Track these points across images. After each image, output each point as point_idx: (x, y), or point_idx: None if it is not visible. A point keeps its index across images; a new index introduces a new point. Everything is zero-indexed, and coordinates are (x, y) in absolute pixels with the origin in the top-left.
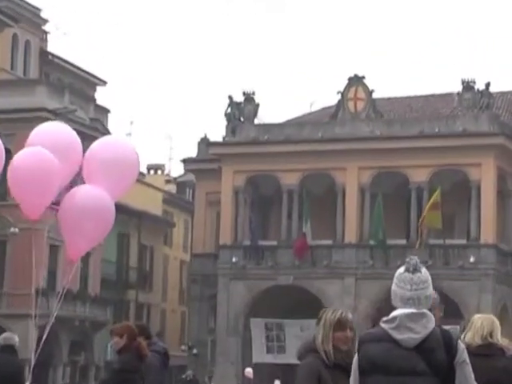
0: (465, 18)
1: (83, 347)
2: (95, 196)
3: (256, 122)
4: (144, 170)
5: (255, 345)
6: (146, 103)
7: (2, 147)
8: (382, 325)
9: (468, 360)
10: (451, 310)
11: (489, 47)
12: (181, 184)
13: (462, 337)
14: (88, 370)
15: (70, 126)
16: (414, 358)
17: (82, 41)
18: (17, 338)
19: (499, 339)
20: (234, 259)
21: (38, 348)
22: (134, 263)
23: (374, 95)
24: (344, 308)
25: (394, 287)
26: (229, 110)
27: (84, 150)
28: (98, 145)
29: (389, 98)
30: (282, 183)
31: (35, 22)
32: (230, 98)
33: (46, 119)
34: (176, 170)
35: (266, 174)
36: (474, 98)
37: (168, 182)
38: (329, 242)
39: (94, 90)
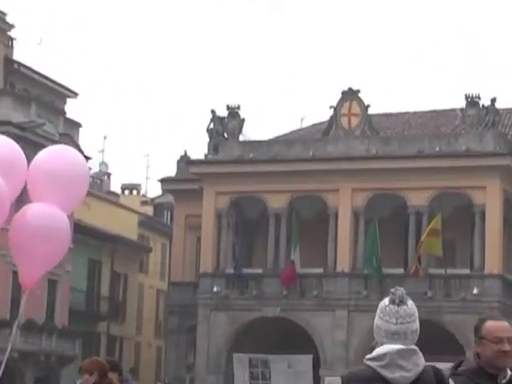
0: (469, 28)
1: None
2: (46, 213)
3: (241, 138)
4: (118, 190)
5: (238, 383)
6: (121, 117)
7: None
8: (369, 363)
9: None
10: (452, 346)
11: (495, 60)
12: (158, 206)
13: None
14: None
15: (37, 141)
16: None
17: (51, 49)
18: None
19: None
20: (215, 288)
21: None
22: (105, 292)
23: (370, 111)
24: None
25: (377, 320)
26: (211, 125)
27: None
28: (41, 156)
29: (386, 114)
30: (268, 206)
31: None
32: (213, 112)
33: (11, 134)
34: (153, 190)
35: (252, 196)
36: (479, 114)
37: (144, 203)
38: (319, 270)
39: (64, 103)
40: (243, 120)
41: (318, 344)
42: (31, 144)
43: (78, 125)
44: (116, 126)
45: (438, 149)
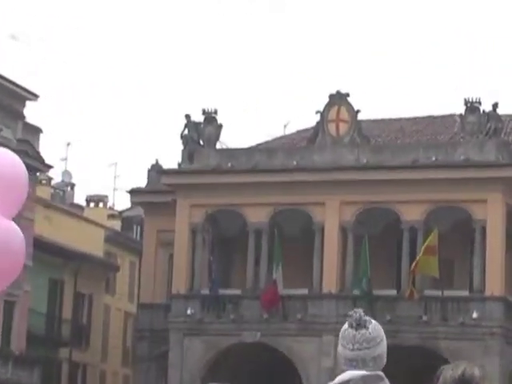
0: (469, 28)
1: None
2: None
3: (218, 146)
4: (83, 202)
5: None
6: (87, 122)
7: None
8: None
9: None
10: None
11: (497, 63)
12: (127, 220)
13: None
14: None
15: None
16: None
17: (8, 48)
18: None
19: None
20: (189, 311)
21: None
22: (67, 315)
23: (360, 116)
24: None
25: (338, 346)
26: (186, 131)
27: None
28: None
29: (377, 120)
30: (248, 220)
31: None
32: (188, 117)
33: None
34: (121, 202)
35: (230, 210)
36: (479, 121)
37: (111, 216)
38: (304, 291)
39: (24, 106)
40: (221, 126)
41: (302, 373)
42: None
43: (38, 130)
44: (81, 132)
45: (434, 158)
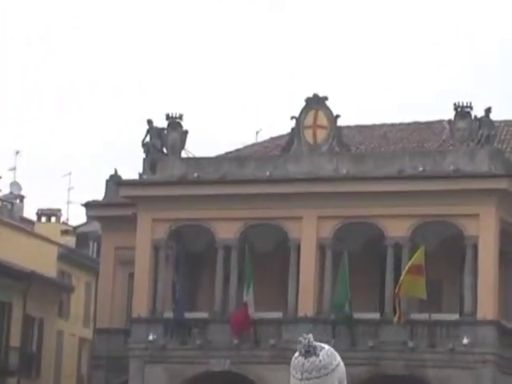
0: (458, 26)
1: None
2: None
3: (183, 154)
4: (33, 216)
5: None
6: (37, 129)
7: None
8: None
9: None
10: None
11: (489, 63)
12: (82, 236)
13: None
14: None
15: None
16: None
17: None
18: None
19: None
20: (151, 336)
21: None
22: (16, 341)
23: (340, 122)
24: None
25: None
26: (147, 138)
27: None
28: None
29: (359, 126)
30: (216, 237)
31: None
32: (150, 122)
33: None
34: (76, 216)
35: (196, 225)
36: (471, 127)
37: (65, 232)
38: (277, 314)
39: None
40: (186, 132)
41: None
42: None
43: None
44: (31, 139)
45: (421, 169)
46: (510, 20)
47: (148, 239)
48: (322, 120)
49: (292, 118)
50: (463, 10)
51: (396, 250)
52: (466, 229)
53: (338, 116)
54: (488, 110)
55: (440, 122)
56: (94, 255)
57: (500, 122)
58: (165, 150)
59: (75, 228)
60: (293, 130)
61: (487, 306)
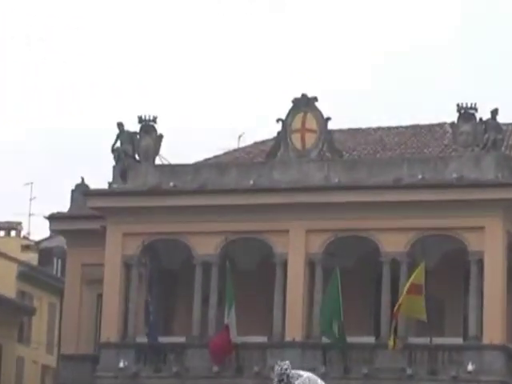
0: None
1: None
2: None
3: (157, 161)
4: None
5: None
6: None
7: None
8: None
9: None
10: None
11: (495, 61)
12: (45, 251)
13: None
14: None
15: None
16: None
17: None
18: None
19: None
20: (121, 364)
21: None
22: None
23: (331, 125)
24: None
25: None
26: (117, 143)
27: None
28: None
29: (352, 130)
30: (194, 252)
31: None
32: (120, 125)
33: None
34: (38, 230)
35: (172, 239)
36: (475, 131)
37: (26, 248)
38: (262, 339)
39: None
40: (161, 137)
41: None
42: None
43: None
44: None
45: (420, 177)
46: None
47: (118, 255)
48: (311, 123)
49: (278, 120)
50: (466, 3)
51: (393, 266)
52: (470, 243)
53: (328, 118)
54: (494, 112)
55: (442, 125)
56: (59, 273)
57: (507, 124)
58: (137, 157)
59: (37, 243)
60: (279, 134)
61: (494, 329)
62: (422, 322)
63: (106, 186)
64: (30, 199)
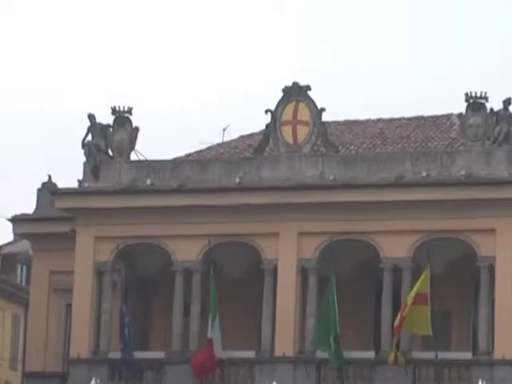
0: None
1: None
2: None
3: (133, 157)
4: None
5: None
6: None
7: None
8: None
9: None
10: None
11: (508, 45)
12: (8, 258)
13: None
14: None
15: None
16: None
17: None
18: None
19: None
20: (93, 381)
21: None
22: None
23: (325, 116)
24: None
25: None
26: (89, 137)
27: None
28: None
29: (349, 122)
30: (174, 258)
31: None
32: (91, 117)
33: None
34: (0, 234)
35: (150, 244)
36: (486, 123)
37: None
38: (250, 353)
39: None
40: (136, 130)
41: None
42: None
43: None
44: None
45: (425, 174)
46: None
47: (90, 261)
48: (304, 114)
49: (267, 111)
50: None
51: (395, 273)
52: (480, 247)
53: (322, 109)
54: (507, 102)
55: (448, 116)
56: (23, 282)
57: None
58: (110, 152)
59: None
60: (267, 126)
61: (506, 343)
62: (427, 334)
63: (75, 185)
64: None
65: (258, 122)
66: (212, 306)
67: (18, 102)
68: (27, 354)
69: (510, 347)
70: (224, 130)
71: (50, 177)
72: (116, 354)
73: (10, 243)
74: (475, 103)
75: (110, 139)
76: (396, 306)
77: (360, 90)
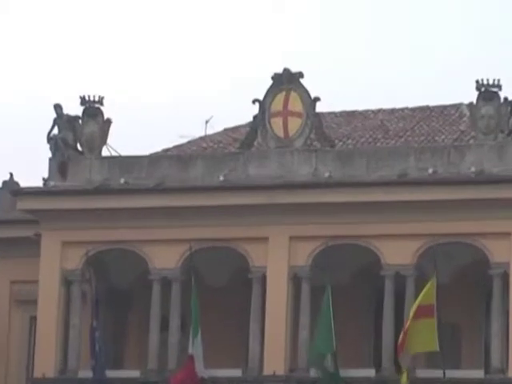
0: None
1: None
2: None
3: (105, 153)
4: None
5: None
6: None
7: None
8: None
9: None
10: None
11: None
12: None
13: None
14: None
15: None
16: None
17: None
18: None
19: None
20: None
21: None
22: None
23: (320, 107)
24: None
25: None
26: (54, 130)
27: None
28: None
29: (346, 113)
30: (151, 266)
31: None
32: (58, 107)
33: None
34: None
35: (123, 249)
36: (498, 114)
37: None
38: (236, 372)
39: None
40: (109, 122)
41: None
42: None
43: None
44: None
45: (431, 170)
46: None
47: (56, 270)
48: (296, 104)
49: (254, 101)
50: None
51: (397, 282)
52: (492, 253)
53: (317, 99)
54: None
55: (457, 106)
56: None
57: None
58: (79, 147)
59: None
60: (255, 118)
61: None
62: (433, 350)
63: (40, 184)
64: None
65: (245, 114)
66: (193, 320)
67: None
68: None
69: None
70: (207, 122)
71: (11, 175)
72: (86, 373)
73: None
74: (487, 92)
75: (78, 132)
76: (398, 318)
77: (358, 78)
